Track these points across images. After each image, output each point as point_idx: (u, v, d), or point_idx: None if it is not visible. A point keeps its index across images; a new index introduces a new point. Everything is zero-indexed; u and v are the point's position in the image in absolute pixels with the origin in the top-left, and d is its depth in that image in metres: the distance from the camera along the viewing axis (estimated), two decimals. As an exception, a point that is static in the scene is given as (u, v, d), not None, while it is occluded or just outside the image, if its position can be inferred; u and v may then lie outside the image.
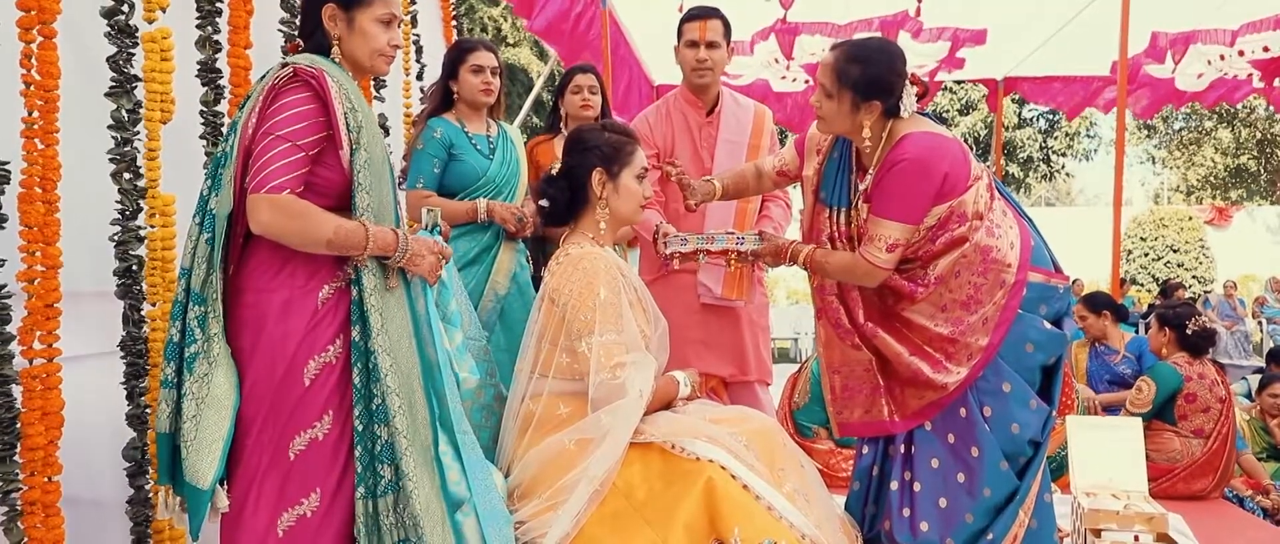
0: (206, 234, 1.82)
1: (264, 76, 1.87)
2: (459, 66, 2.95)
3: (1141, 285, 17.70)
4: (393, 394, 1.82)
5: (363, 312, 1.84)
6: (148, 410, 2.16)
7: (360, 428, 1.84)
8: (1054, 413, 2.34)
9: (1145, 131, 22.62)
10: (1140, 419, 3.44)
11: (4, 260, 1.86)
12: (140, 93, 2.16)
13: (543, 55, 14.87)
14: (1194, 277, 18.27)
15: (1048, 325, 2.31)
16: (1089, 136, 22.42)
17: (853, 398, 2.41)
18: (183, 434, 1.78)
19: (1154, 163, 24.84)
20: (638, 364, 2.10)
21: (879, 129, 2.26)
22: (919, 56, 6.13)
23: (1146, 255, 18.80)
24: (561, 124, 3.53)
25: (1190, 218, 19.13)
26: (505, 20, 16.11)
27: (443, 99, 3.00)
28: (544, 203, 2.29)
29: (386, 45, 1.95)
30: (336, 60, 1.92)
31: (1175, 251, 18.69)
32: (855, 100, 2.23)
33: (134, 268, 2.14)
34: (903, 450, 2.36)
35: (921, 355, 2.28)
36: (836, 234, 2.38)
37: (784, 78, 6.69)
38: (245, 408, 1.81)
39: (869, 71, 2.21)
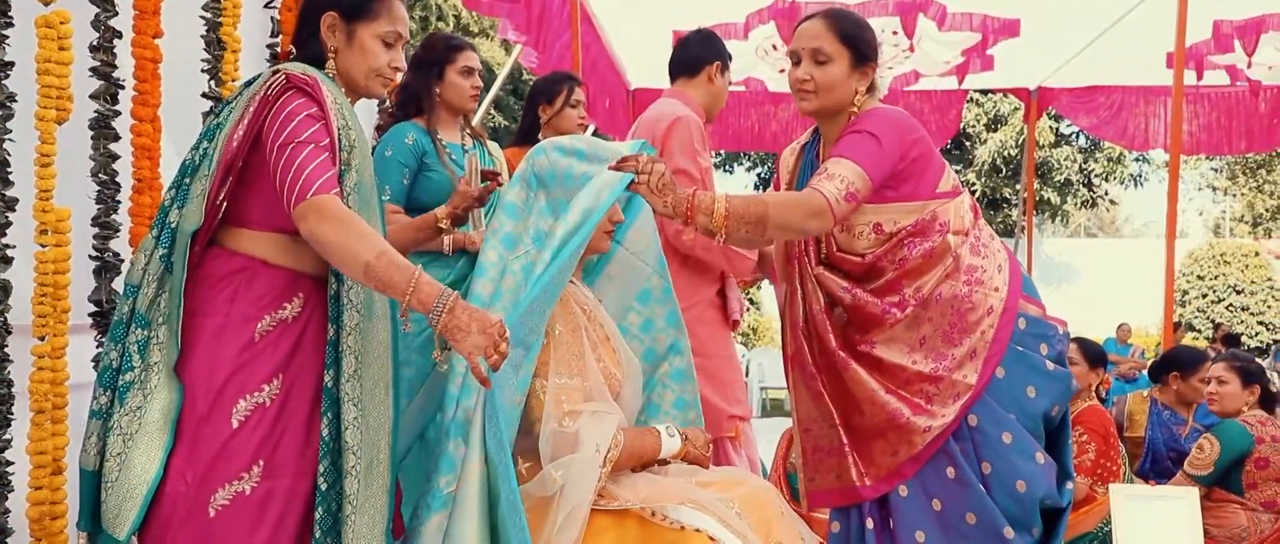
0: (162, 250, 1.86)
1: (249, 83, 1.95)
2: (448, 67, 2.97)
3: (1199, 332, 17.81)
4: (350, 451, 1.85)
5: (338, 353, 1.87)
6: (8, 469, 2.14)
7: (324, 486, 1.87)
8: (1073, 478, 2.36)
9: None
10: (1198, 486, 3.42)
11: None
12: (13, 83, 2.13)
13: (507, 46, 14.87)
14: (1261, 322, 18.44)
15: (1053, 366, 2.34)
16: (1138, 158, 22.58)
17: (824, 461, 2.43)
18: (105, 473, 1.81)
19: (1213, 189, 25.16)
20: (597, 414, 2.10)
21: (862, 103, 2.36)
22: (945, 48, 6.16)
23: (1205, 297, 19.00)
24: (541, 135, 3.53)
25: (1256, 253, 19.38)
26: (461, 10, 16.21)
27: (419, 102, 2.99)
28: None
29: (386, 66, 2.02)
30: (331, 75, 1.99)
31: (1238, 292, 18.87)
32: (854, 61, 2.34)
33: None
34: (876, 523, 2.36)
35: (898, 397, 2.31)
36: (805, 247, 2.43)
37: (783, 71, 6.68)
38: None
39: (865, 33, 2.38)
